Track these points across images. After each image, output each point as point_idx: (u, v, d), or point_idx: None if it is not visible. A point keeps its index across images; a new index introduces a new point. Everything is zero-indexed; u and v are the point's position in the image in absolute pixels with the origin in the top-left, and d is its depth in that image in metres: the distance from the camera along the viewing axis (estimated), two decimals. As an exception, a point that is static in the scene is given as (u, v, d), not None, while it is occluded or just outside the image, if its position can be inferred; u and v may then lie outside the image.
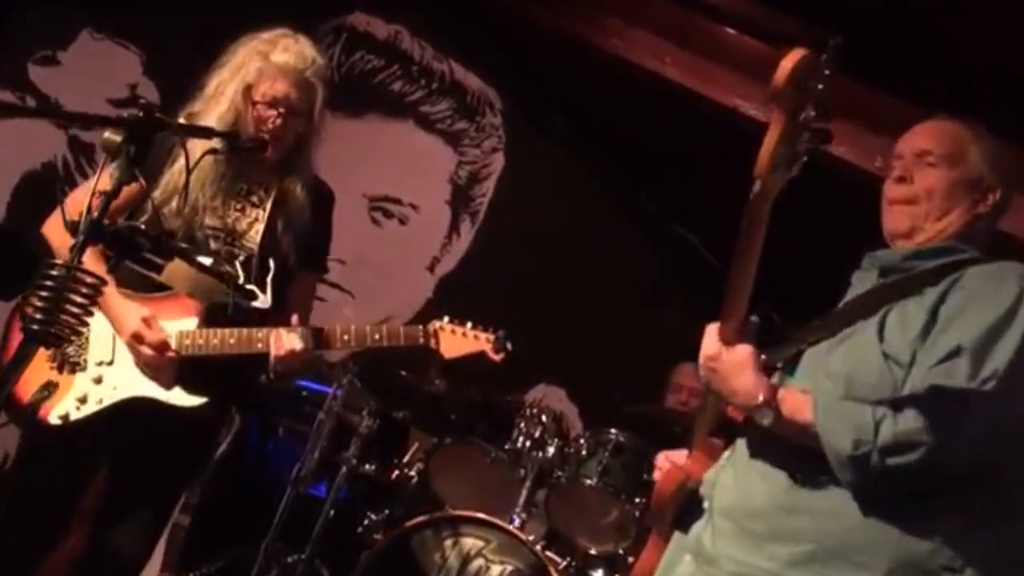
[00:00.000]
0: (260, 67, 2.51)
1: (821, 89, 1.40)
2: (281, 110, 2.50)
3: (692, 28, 4.16)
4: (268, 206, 2.57)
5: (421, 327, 2.59)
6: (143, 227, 1.90)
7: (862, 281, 1.82)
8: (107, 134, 1.87)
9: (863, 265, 1.85)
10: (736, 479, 1.70)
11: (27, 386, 2.41)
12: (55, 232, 2.42)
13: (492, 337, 2.63)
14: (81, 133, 4.44)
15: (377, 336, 2.51)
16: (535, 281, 5.01)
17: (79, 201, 2.40)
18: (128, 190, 2.34)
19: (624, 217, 5.20)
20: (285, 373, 2.48)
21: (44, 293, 1.71)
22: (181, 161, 2.42)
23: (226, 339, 2.42)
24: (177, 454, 2.52)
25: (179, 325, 2.44)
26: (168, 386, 2.42)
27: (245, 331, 2.42)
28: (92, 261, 2.29)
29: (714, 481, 1.75)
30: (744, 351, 1.63)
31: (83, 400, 2.39)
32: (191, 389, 2.42)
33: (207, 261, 1.99)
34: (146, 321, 2.39)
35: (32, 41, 4.42)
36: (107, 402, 2.40)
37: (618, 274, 5.15)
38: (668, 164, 4.80)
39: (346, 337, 2.51)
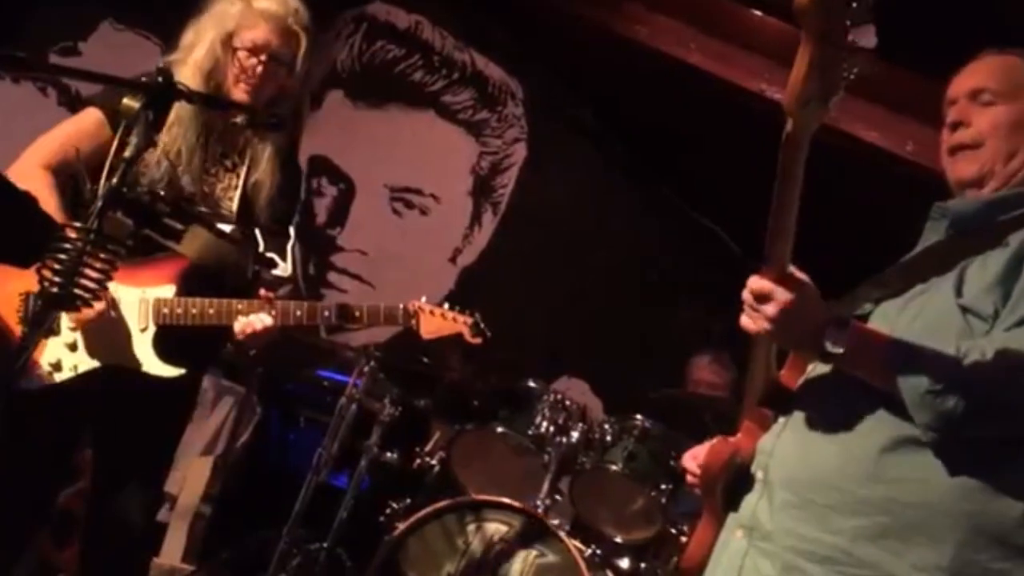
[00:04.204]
0: (242, 13, 2.43)
1: (856, 7, 1.21)
2: (263, 57, 2.41)
3: (716, 12, 4.11)
4: (242, 172, 2.50)
5: (401, 306, 2.59)
6: (162, 193, 1.85)
7: (931, 232, 1.66)
8: (125, 100, 1.83)
9: (932, 215, 1.68)
10: (796, 447, 1.56)
11: None
12: (25, 182, 2.26)
13: (470, 320, 2.67)
14: (102, 124, 4.44)
15: (358, 314, 2.51)
16: (558, 272, 4.97)
17: (51, 148, 2.38)
18: (99, 144, 2.29)
19: (647, 207, 5.15)
20: (250, 347, 2.44)
21: (62, 256, 1.68)
22: (168, 126, 2.28)
23: (205, 309, 2.35)
24: (157, 422, 2.45)
25: (156, 292, 2.36)
26: (128, 351, 2.33)
27: (225, 302, 2.36)
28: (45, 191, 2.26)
29: (770, 450, 1.60)
30: (811, 288, 1.48)
31: (57, 367, 2.31)
32: (168, 359, 2.35)
33: (227, 228, 1.95)
34: None
35: (53, 31, 4.44)
36: (81, 369, 2.31)
37: (642, 265, 5.10)
38: (692, 152, 4.74)
39: (326, 314, 2.48)
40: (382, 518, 3.55)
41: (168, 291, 2.36)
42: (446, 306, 2.68)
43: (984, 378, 1.37)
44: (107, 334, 2.34)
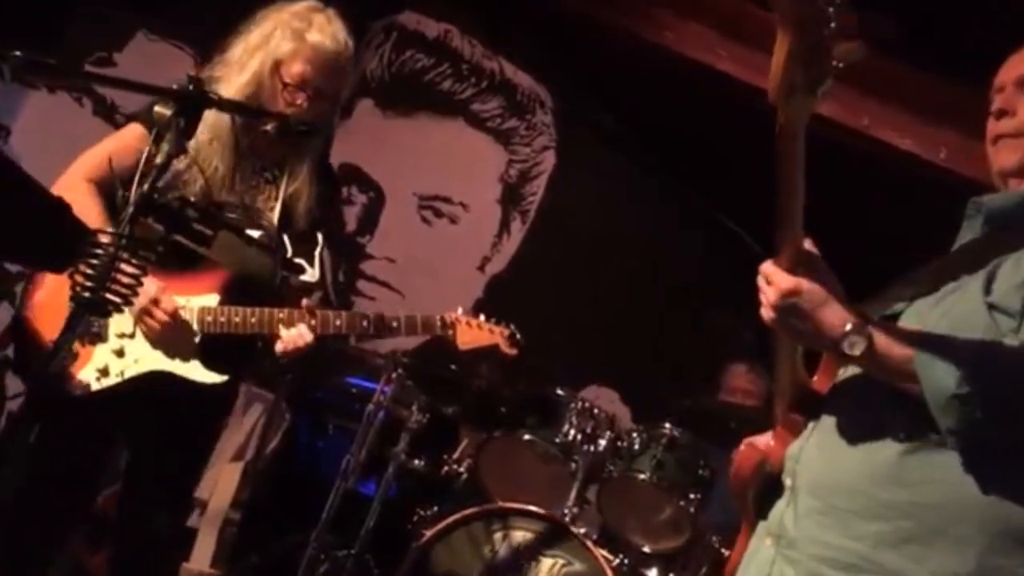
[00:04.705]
0: (295, 47, 2.44)
1: None
2: (309, 92, 2.44)
3: (746, 18, 4.09)
4: (282, 185, 2.53)
5: (439, 317, 2.62)
6: (192, 199, 1.88)
7: (967, 230, 1.61)
8: (157, 107, 1.86)
9: (967, 212, 1.61)
10: (822, 452, 1.53)
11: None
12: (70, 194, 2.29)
13: (506, 332, 2.70)
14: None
15: (395, 324, 2.53)
16: (586, 280, 4.95)
17: (94, 162, 2.42)
18: (140, 157, 2.36)
19: (676, 214, 5.12)
20: (292, 359, 2.46)
21: (94, 261, 1.71)
22: (202, 136, 2.33)
23: (247, 318, 2.39)
24: (195, 429, 2.50)
25: (200, 301, 2.41)
26: (186, 358, 2.38)
27: (267, 311, 2.40)
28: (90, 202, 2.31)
29: (796, 456, 1.56)
30: (826, 280, 1.42)
31: (104, 372, 2.35)
32: (211, 365, 2.39)
33: (256, 234, 1.97)
34: (156, 297, 2.34)
35: (88, 42, 4.49)
36: (128, 375, 2.36)
37: (670, 272, 5.08)
38: (720, 159, 4.72)
39: (364, 324, 2.51)
40: (409, 525, 3.56)
41: (212, 300, 2.41)
42: (482, 317, 2.69)
43: (1010, 381, 1.33)
44: (167, 333, 2.38)
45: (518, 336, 2.71)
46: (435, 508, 3.61)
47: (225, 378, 2.39)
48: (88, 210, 2.27)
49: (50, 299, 2.35)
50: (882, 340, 1.40)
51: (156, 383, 2.37)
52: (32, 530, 2.36)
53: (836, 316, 1.40)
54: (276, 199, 2.51)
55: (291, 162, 2.52)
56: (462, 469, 3.69)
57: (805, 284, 1.40)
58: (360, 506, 3.58)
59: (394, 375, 3.67)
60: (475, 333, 2.64)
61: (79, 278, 1.71)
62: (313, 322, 2.39)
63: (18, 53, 1.71)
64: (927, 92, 3.89)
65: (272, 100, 2.43)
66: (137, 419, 2.44)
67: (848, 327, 1.39)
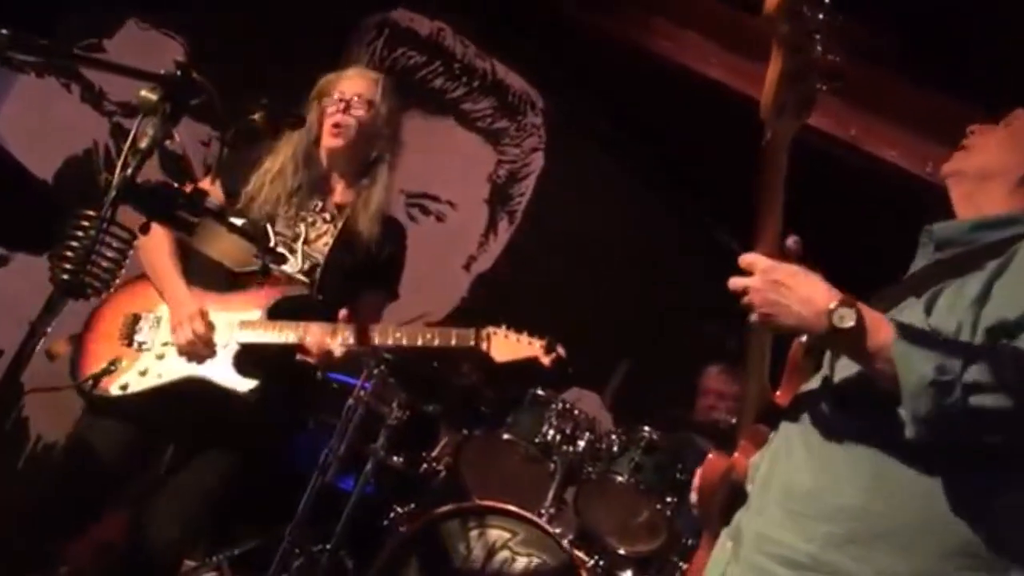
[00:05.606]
0: (330, 82, 2.74)
1: (823, 19, 1.24)
2: (345, 96, 2.68)
3: (742, 28, 4.11)
4: (339, 224, 2.67)
5: (474, 330, 2.59)
6: (175, 185, 1.87)
7: (921, 257, 1.68)
8: (143, 92, 1.85)
9: (921, 239, 1.68)
10: (780, 459, 1.58)
11: (96, 361, 2.52)
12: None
13: (543, 342, 2.64)
14: (124, 121, 4.47)
15: (429, 336, 2.54)
16: (572, 282, 4.95)
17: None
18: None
19: (665, 221, 5.14)
20: (325, 368, 2.57)
21: (73, 244, 1.70)
22: (266, 165, 2.59)
23: (284, 329, 2.50)
24: (228, 441, 2.57)
25: (242, 316, 2.52)
26: (219, 366, 2.50)
27: (303, 324, 2.49)
28: (164, 241, 2.52)
29: (757, 464, 1.63)
30: (799, 266, 1.49)
31: (144, 373, 2.49)
32: (246, 373, 2.49)
33: (239, 222, 1.98)
34: (196, 314, 2.50)
35: (78, 29, 4.47)
36: (166, 378, 2.48)
37: (657, 278, 5.09)
38: (711, 167, 4.73)
39: (398, 335, 2.53)
40: (386, 522, 3.56)
41: (254, 315, 2.53)
42: (525, 333, 2.65)
43: (992, 381, 1.35)
44: (194, 348, 2.51)
45: (556, 346, 2.64)
46: (412, 505, 3.61)
47: (253, 384, 2.47)
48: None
49: (104, 326, 2.56)
50: (870, 318, 1.43)
51: (194, 388, 2.49)
52: (57, 520, 2.47)
53: (821, 289, 1.45)
54: (331, 235, 2.66)
55: (354, 204, 2.69)
56: (441, 467, 3.69)
57: (785, 264, 1.47)
58: (337, 501, 3.57)
59: (375, 371, 3.66)
60: (512, 346, 2.60)
61: (58, 261, 1.70)
62: (347, 333, 2.47)
63: (4, 31, 1.70)
64: (915, 105, 3.92)
65: (323, 125, 2.68)
66: (176, 422, 2.55)
67: (835, 302, 1.42)
